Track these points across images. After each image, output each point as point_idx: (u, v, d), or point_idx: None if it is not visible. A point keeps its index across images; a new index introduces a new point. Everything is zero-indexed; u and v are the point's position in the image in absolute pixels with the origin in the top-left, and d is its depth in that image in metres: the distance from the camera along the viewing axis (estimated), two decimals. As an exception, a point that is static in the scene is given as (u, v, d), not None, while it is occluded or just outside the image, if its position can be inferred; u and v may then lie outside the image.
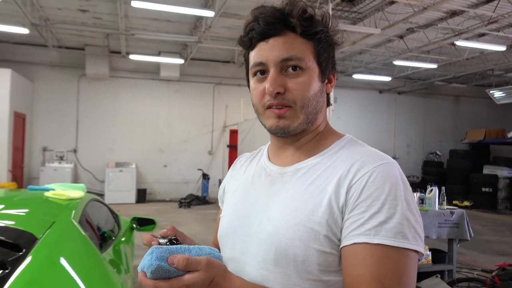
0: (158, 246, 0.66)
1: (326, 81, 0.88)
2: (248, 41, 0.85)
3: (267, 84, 0.81)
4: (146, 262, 0.65)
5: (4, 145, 8.47)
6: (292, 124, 0.83)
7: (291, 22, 0.80)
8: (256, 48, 0.84)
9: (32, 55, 10.16)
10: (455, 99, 14.65)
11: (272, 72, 0.81)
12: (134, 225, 3.23)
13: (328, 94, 0.91)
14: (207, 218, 8.48)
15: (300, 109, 0.82)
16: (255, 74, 0.85)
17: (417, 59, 10.58)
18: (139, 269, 0.66)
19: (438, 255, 4.10)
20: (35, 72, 10.27)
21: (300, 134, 0.86)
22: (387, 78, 12.13)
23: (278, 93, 0.81)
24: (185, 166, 11.51)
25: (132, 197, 10.44)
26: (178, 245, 0.68)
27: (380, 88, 13.62)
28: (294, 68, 0.81)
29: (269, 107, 0.83)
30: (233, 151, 11.42)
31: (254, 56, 0.84)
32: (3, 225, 1.69)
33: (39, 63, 10.30)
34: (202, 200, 10.73)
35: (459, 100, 14.69)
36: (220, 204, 1.06)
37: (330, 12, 6.61)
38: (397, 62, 10.47)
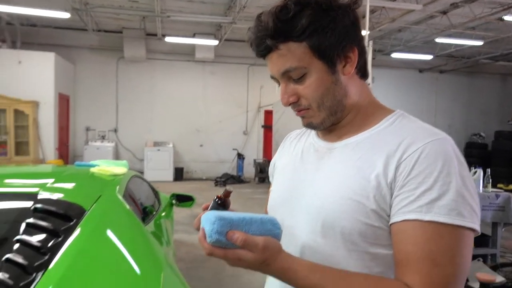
0: (221, 217, 0.68)
1: (344, 63, 0.83)
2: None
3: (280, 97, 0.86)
4: (207, 229, 0.68)
5: (51, 124, 8.92)
6: (315, 120, 0.86)
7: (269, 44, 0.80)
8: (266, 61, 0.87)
9: (73, 39, 10.49)
10: (502, 78, 13.81)
11: (281, 85, 0.86)
12: (174, 201, 3.33)
13: (358, 63, 0.84)
14: (242, 197, 8.60)
15: (318, 109, 0.84)
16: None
17: (461, 36, 9.99)
18: (202, 224, 0.71)
19: (481, 239, 3.98)
20: (76, 55, 10.63)
21: (335, 122, 0.88)
22: (428, 57, 11.59)
23: (293, 102, 0.84)
24: (220, 146, 11.66)
25: (170, 175, 10.75)
26: (241, 217, 0.70)
27: (421, 67, 13.05)
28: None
29: None
30: (268, 132, 11.42)
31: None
32: (55, 198, 1.80)
33: (80, 46, 10.64)
34: (237, 179, 10.88)
35: (506, 79, 13.84)
36: (270, 179, 1.10)
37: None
38: (439, 40, 9.95)
